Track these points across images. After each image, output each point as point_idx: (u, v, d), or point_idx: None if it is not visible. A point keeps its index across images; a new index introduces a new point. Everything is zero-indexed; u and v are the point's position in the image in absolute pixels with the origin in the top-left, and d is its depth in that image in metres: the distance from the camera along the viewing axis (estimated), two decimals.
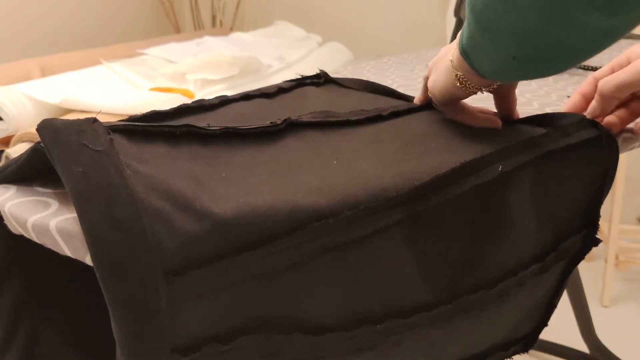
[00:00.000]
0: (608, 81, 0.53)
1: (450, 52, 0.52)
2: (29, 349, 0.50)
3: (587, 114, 0.55)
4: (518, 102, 0.74)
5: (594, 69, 0.94)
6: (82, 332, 0.52)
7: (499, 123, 0.54)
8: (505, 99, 0.56)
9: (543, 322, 0.58)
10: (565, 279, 0.56)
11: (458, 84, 0.51)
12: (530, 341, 0.57)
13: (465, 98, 0.53)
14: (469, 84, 0.51)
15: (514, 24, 0.41)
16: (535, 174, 0.49)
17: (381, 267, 0.41)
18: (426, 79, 0.59)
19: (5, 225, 0.43)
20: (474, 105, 0.57)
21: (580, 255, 0.55)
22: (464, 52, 0.48)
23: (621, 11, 0.38)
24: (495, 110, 0.57)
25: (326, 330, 0.40)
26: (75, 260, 0.39)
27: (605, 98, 0.54)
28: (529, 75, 0.49)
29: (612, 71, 0.57)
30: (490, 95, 0.56)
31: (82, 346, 0.52)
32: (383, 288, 0.42)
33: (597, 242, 0.55)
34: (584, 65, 0.95)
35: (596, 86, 0.58)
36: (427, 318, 0.44)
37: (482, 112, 0.55)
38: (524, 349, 0.57)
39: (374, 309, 0.42)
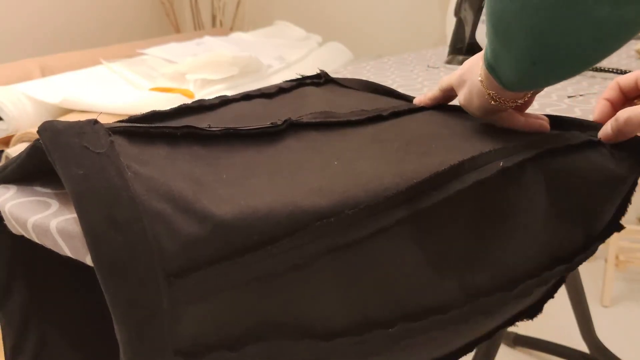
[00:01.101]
0: (633, 119, 0.50)
1: (475, 67, 0.52)
2: (38, 352, 0.50)
3: (601, 136, 0.53)
4: (558, 108, 0.74)
5: (596, 69, 0.94)
6: (90, 334, 0.52)
7: (547, 127, 0.53)
8: (524, 105, 0.55)
9: (549, 295, 0.57)
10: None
11: (492, 102, 0.51)
12: (535, 311, 0.56)
13: (503, 110, 0.53)
14: (503, 100, 0.51)
15: (528, 25, 0.42)
16: (538, 173, 0.49)
17: (386, 267, 0.41)
18: (444, 90, 0.59)
19: (7, 228, 0.43)
20: None
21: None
22: (490, 67, 0.48)
23: (628, 1, 0.38)
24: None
25: (335, 336, 0.40)
26: (81, 262, 0.39)
27: (625, 133, 0.51)
28: (551, 80, 0.48)
29: (637, 83, 0.55)
30: None
31: (91, 348, 0.52)
32: (390, 289, 0.42)
33: (619, 227, 0.55)
34: None
35: (620, 91, 0.56)
36: (441, 321, 0.43)
37: (530, 116, 0.55)
38: (530, 318, 0.57)
39: (383, 312, 0.41)
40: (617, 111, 0.56)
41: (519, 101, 0.51)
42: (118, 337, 0.33)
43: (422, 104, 0.61)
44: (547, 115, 0.56)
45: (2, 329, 0.50)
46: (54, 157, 0.37)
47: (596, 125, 0.54)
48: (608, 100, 0.57)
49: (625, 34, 0.41)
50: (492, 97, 0.51)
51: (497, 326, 0.53)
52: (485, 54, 0.49)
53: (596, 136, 0.53)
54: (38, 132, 0.39)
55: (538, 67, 0.44)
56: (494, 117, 0.54)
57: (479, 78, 0.51)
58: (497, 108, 0.52)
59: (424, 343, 0.45)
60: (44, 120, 0.39)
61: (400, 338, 0.42)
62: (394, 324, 0.42)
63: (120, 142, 0.40)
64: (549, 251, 0.50)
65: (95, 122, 0.40)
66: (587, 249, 0.53)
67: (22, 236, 0.42)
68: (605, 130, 0.52)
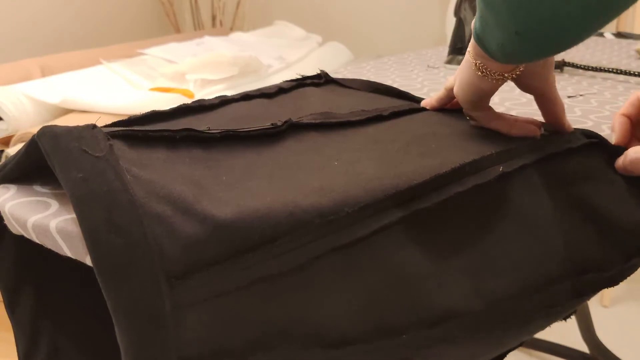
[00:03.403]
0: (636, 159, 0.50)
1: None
2: (50, 357, 0.50)
3: (616, 166, 0.52)
4: (518, 102, 0.74)
5: (595, 69, 0.94)
6: (101, 336, 0.52)
7: (537, 132, 0.52)
8: (544, 101, 0.54)
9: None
10: None
11: (478, 72, 0.50)
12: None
13: (490, 91, 0.52)
14: (488, 71, 0.50)
15: None
16: (540, 176, 0.48)
17: (392, 269, 0.40)
18: (448, 89, 0.58)
19: (12, 234, 0.43)
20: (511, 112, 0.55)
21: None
22: (477, 36, 0.48)
23: None
24: (534, 119, 0.55)
25: (347, 343, 0.38)
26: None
27: (632, 172, 0.51)
28: (534, 54, 0.47)
29: None
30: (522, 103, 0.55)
31: (102, 350, 0.52)
32: (399, 293, 0.41)
33: None
34: (585, 66, 0.95)
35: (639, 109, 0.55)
36: (459, 329, 0.42)
37: (519, 120, 0.53)
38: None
39: (395, 318, 0.40)
40: (635, 129, 0.55)
41: (506, 75, 0.50)
42: (120, 342, 0.33)
43: (429, 107, 0.60)
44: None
45: (14, 334, 0.50)
46: (54, 161, 0.37)
47: (596, 135, 0.54)
48: (626, 115, 0.55)
49: (617, 6, 0.40)
50: (479, 68, 0.50)
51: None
52: (475, 23, 0.48)
53: (597, 138, 0.53)
54: (37, 137, 0.39)
55: (522, 37, 0.44)
56: (481, 114, 0.54)
57: (469, 49, 0.51)
58: (483, 84, 0.51)
59: (449, 355, 0.43)
60: (44, 121, 0.40)
61: (415, 346, 0.41)
62: (407, 330, 0.40)
63: (119, 146, 0.40)
64: (568, 259, 0.49)
65: (94, 126, 0.40)
66: (625, 261, 0.51)
67: (28, 239, 0.42)
68: (617, 163, 0.52)
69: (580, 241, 0.50)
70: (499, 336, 0.46)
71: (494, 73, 0.50)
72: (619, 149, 0.53)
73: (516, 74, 0.51)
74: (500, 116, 0.53)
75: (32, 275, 0.49)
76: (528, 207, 0.47)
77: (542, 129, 0.54)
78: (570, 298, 0.48)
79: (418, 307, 0.41)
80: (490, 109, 0.54)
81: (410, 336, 0.40)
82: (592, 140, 0.52)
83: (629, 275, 0.52)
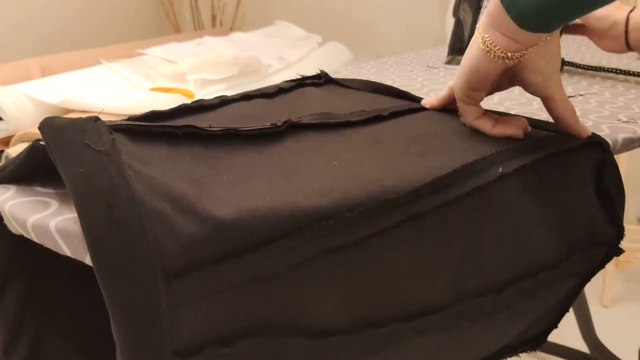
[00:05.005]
0: None
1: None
2: (33, 350, 0.50)
3: None
4: (518, 102, 0.74)
5: (595, 69, 0.94)
6: (87, 333, 0.52)
7: (520, 132, 0.51)
8: (550, 104, 0.53)
9: (553, 325, 0.57)
10: (582, 287, 0.55)
11: (483, 47, 0.50)
12: (539, 341, 0.57)
13: (488, 72, 0.51)
14: (493, 46, 0.49)
15: None
16: (538, 177, 0.49)
17: (382, 268, 0.41)
18: (451, 88, 0.58)
19: (6, 226, 0.43)
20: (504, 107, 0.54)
21: (601, 266, 0.55)
22: None
23: None
24: (522, 117, 0.54)
25: (329, 334, 0.39)
26: (79, 261, 0.39)
27: None
28: (566, 10, 0.46)
29: None
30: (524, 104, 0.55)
31: (87, 347, 0.52)
32: (385, 290, 0.42)
33: (619, 251, 0.54)
34: (585, 65, 0.95)
35: None
36: (432, 322, 0.43)
37: (505, 120, 0.53)
38: (532, 349, 0.57)
39: (377, 312, 0.41)
40: None
41: (509, 54, 0.50)
42: (115, 337, 0.33)
43: (429, 106, 0.60)
44: (549, 122, 0.55)
45: None
46: (56, 155, 0.37)
47: (595, 135, 0.54)
48: None
49: None
50: (484, 42, 0.50)
51: (500, 349, 0.53)
52: None
53: (596, 137, 0.53)
54: (39, 128, 0.39)
55: None
56: (469, 109, 0.53)
57: (479, 23, 0.50)
58: (484, 62, 0.51)
59: (420, 345, 0.44)
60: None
61: (393, 338, 0.42)
62: (386, 324, 0.41)
63: (121, 140, 0.40)
64: (542, 256, 0.50)
65: (97, 118, 0.40)
66: (572, 258, 0.52)
67: (20, 235, 0.42)
68: None
69: (568, 242, 0.50)
70: (466, 328, 0.46)
71: (498, 49, 0.49)
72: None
73: (518, 59, 0.50)
74: (483, 114, 0.53)
75: (23, 270, 0.49)
76: (518, 208, 0.47)
77: (529, 127, 0.53)
78: (525, 292, 0.48)
79: (399, 303, 0.42)
80: (480, 106, 0.54)
81: (388, 329, 0.41)
82: (592, 140, 0.52)
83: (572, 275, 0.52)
